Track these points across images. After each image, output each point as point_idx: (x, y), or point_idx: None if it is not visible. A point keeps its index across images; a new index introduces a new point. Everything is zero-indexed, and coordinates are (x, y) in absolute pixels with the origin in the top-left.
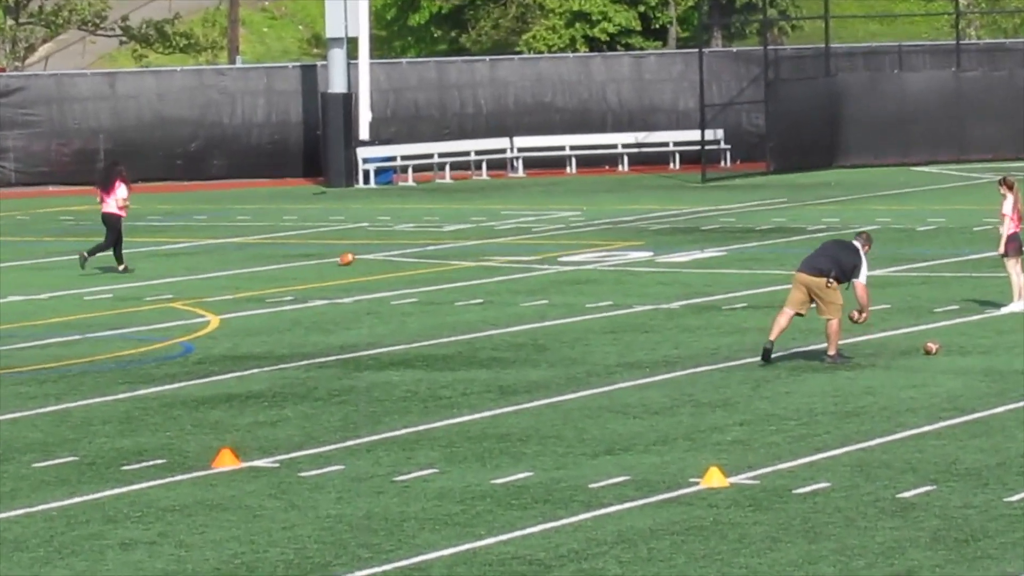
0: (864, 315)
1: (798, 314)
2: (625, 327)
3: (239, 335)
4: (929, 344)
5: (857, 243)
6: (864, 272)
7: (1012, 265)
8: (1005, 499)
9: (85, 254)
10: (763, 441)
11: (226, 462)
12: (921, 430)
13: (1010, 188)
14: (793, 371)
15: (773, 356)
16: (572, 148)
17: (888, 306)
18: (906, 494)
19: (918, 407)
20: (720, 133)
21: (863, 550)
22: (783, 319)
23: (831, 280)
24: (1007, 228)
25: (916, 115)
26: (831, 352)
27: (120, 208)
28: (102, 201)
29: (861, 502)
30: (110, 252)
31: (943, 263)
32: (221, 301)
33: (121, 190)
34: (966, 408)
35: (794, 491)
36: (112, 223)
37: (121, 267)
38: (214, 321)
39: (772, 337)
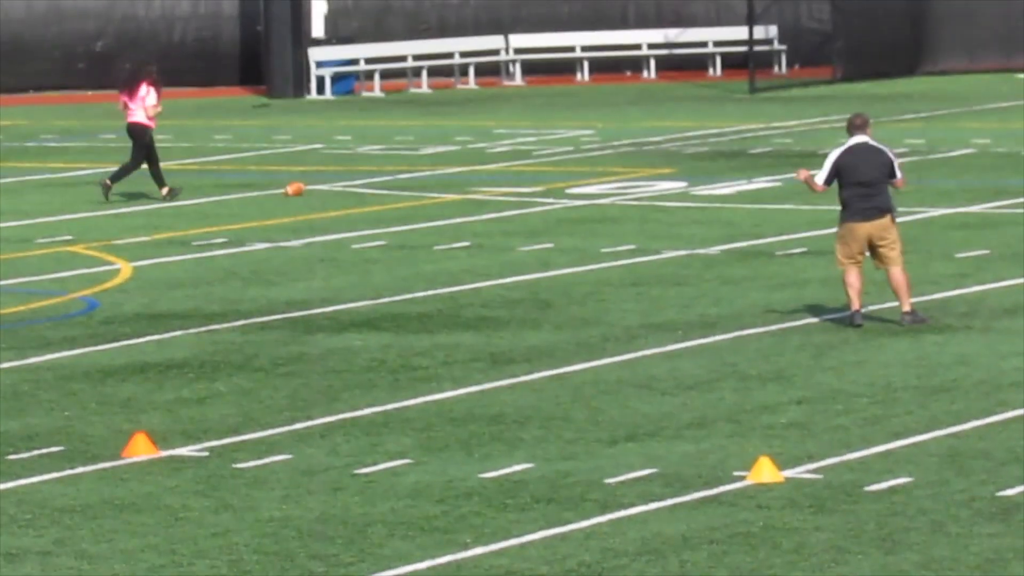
0: None
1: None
2: (651, 279)
3: (157, 288)
4: None
5: (868, 137)
6: (898, 167)
7: None
8: None
9: (108, 181)
10: (826, 425)
11: (140, 450)
12: None
13: None
14: (864, 335)
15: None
16: (584, 49)
17: (986, 252)
18: (1009, 492)
19: None
20: (773, 30)
21: (954, 563)
22: (856, 278)
23: (896, 215)
24: None
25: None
26: (907, 308)
27: (150, 118)
28: (125, 108)
29: (952, 502)
30: (140, 171)
31: None
32: (134, 244)
33: (150, 95)
34: None
35: (866, 488)
36: (138, 135)
37: (164, 190)
38: (125, 270)
39: (857, 306)
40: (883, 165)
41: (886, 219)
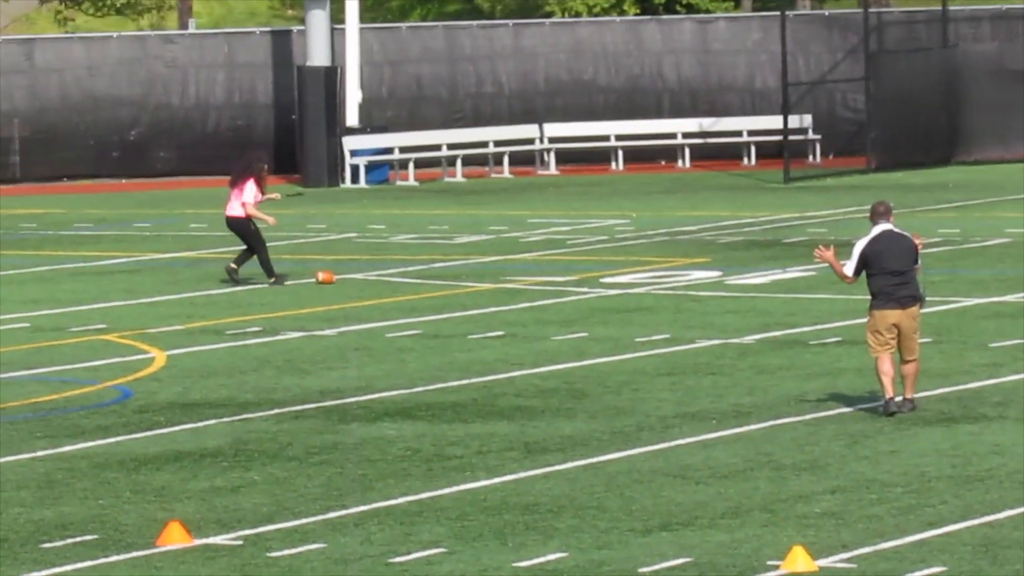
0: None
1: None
2: (685, 368)
3: (191, 376)
4: None
5: (891, 224)
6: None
7: None
8: None
9: (233, 265)
10: (861, 514)
11: (175, 539)
12: None
13: None
14: (898, 424)
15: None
16: (618, 138)
17: (1021, 341)
18: None
19: None
20: (808, 120)
21: None
22: (890, 366)
23: (923, 300)
24: None
25: None
26: (910, 395)
27: (247, 214)
28: (229, 200)
29: None
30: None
31: None
32: (168, 333)
33: (248, 191)
34: None
35: None
36: (236, 228)
37: (271, 280)
38: (159, 358)
39: (891, 393)
40: (910, 250)
41: (917, 307)
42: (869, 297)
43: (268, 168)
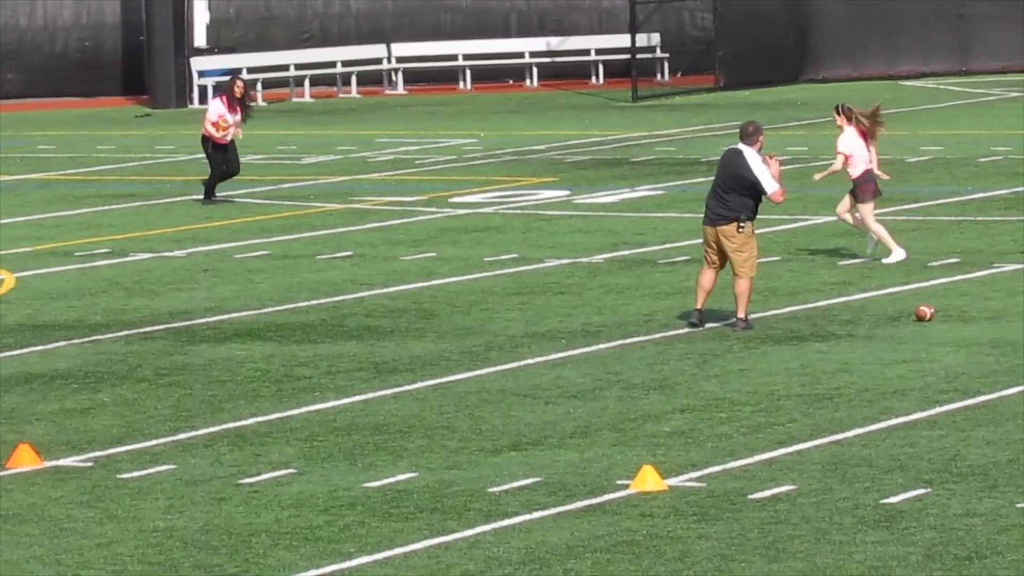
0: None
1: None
2: (534, 288)
3: (40, 299)
4: (922, 308)
5: (743, 145)
6: (767, 179)
7: (868, 212)
8: (1017, 504)
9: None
10: (710, 433)
11: (24, 461)
12: (911, 417)
13: (848, 119)
14: (748, 343)
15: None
16: (466, 57)
17: (869, 260)
18: (893, 499)
19: (908, 388)
20: (656, 38)
21: (838, 570)
22: (706, 279)
23: (743, 224)
24: (853, 169)
25: (907, 14)
26: (741, 314)
27: (206, 132)
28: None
29: (836, 510)
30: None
31: (940, 204)
32: (17, 255)
33: (212, 108)
34: (969, 390)
35: (750, 496)
36: (203, 146)
37: (203, 201)
38: (8, 280)
39: (699, 304)
40: (736, 169)
41: (731, 227)
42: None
43: (242, 86)
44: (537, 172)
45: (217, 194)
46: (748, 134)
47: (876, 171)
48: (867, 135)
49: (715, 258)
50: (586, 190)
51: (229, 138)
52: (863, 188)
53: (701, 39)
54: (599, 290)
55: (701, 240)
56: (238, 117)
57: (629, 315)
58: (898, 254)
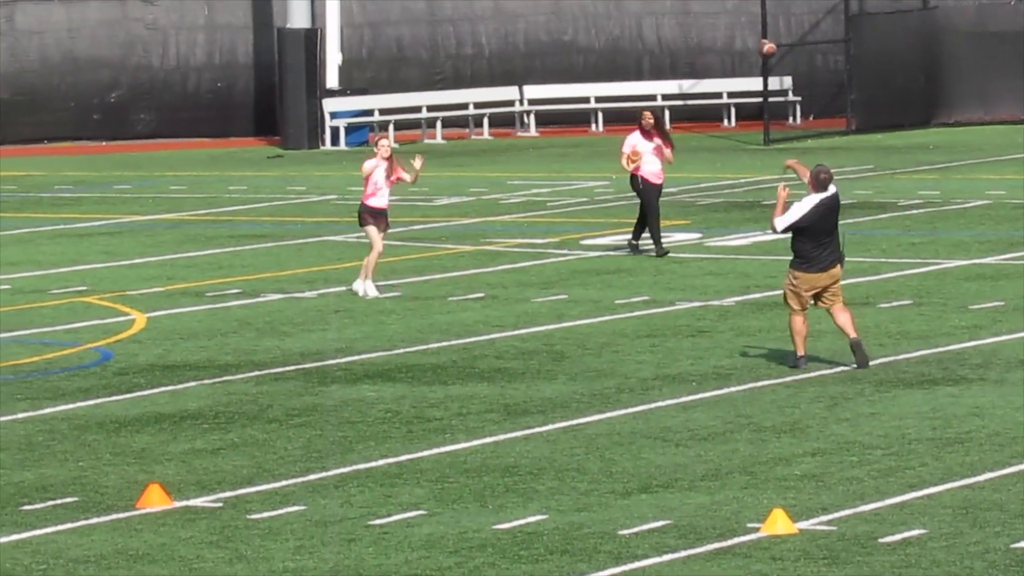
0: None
1: None
2: (665, 330)
3: (171, 338)
4: None
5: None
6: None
7: None
8: None
9: (632, 240)
10: (841, 476)
11: (154, 501)
12: None
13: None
14: (879, 387)
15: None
16: (598, 100)
17: (1001, 303)
18: (1022, 544)
19: None
20: (788, 81)
21: None
22: (805, 326)
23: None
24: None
25: None
26: (856, 334)
27: (623, 162)
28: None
29: (966, 554)
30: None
31: None
32: (148, 295)
33: (628, 140)
34: None
35: (880, 540)
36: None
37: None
38: (139, 320)
39: (804, 351)
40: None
41: (838, 269)
42: (850, 259)
43: (650, 116)
44: (669, 215)
45: (639, 241)
46: (829, 179)
47: None
48: None
49: (807, 303)
50: (718, 232)
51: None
52: None
53: (833, 82)
54: (730, 333)
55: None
56: (652, 145)
57: (760, 358)
58: None
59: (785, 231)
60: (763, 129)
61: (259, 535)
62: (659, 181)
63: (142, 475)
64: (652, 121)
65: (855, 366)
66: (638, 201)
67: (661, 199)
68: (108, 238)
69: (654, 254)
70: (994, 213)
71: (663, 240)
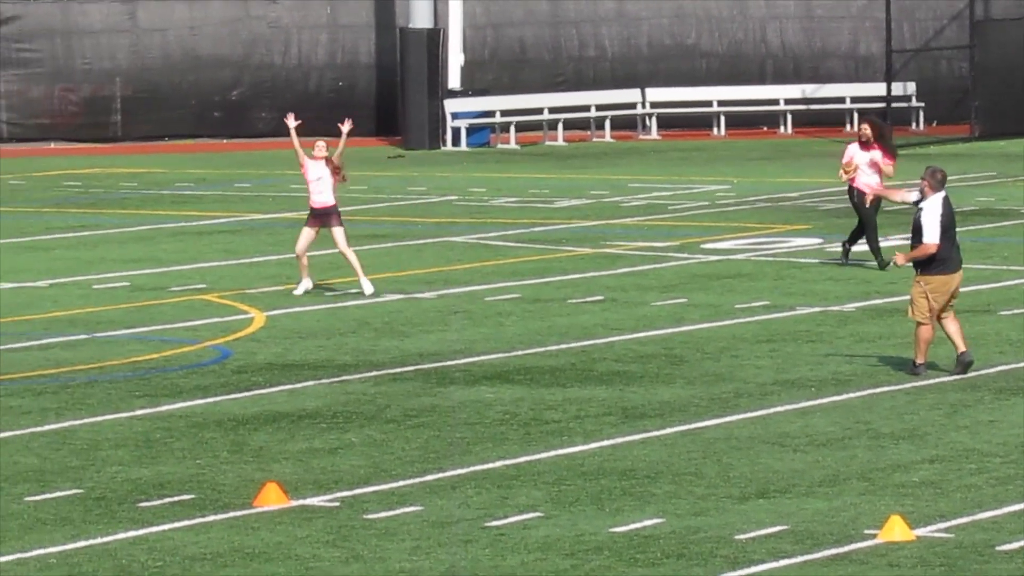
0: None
1: None
2: (785, 335)
3: (290, 337)
4: None
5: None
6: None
7: None
8: None
9: (846, 244)
10: (959, 483)
11: (271, 500)
12: None
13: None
14: (999, 394)
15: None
16: (720, 104)
17: None
18: None
19: None
20: (911, 87)
21: None
22: (932, 333)
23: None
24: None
25: None
26: (964, 348)
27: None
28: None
29: None
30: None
31: None
32: (267, 294)
33: (847, 149)
34: None
35: (998, 548)
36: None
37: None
38: (258, 319)
39: (924, 359)
40: None
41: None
42: (972, 266)
43: (867, 127)
44: (789, 220)
45: (851, 248)
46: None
47: None
48: None
49: (935, 310)
50: (838, 238)
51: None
52: None
53: (957, 88)
54: (849, 339)
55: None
56: (868, 157)
57: (879, 364)
58: None
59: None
60: None
61: (375, 535)
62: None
63: (259, 473)
64: (869, 133)
65: (958, 374)
66: (760, 206)
67: (789, 204)
68: (228, 236)
69: (877, 266)
70: None
71: (880, 249)
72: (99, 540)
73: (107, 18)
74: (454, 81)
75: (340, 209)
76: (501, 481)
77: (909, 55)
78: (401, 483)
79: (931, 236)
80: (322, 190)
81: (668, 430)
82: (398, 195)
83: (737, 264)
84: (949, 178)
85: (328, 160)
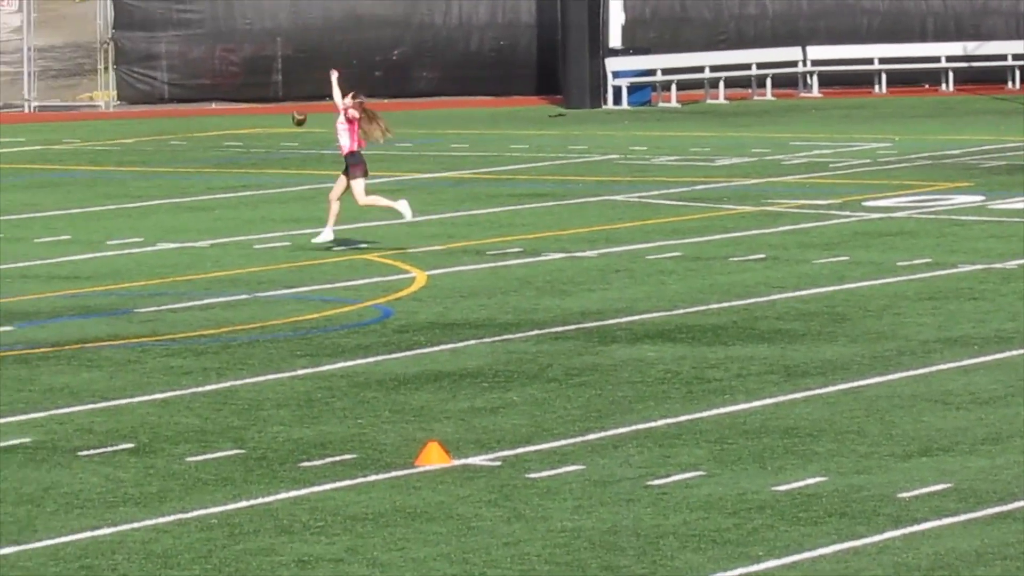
0: None
1: None
2: (947, 293)
3: (451, 297)
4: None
5: None
6: None
7: None
8: None
9: None
10: None
11: (433, 459)
12: None
13: None
14: None
15: None
16: (882, 61)
17: None
18: None
19: None
20: None
21: None
22: None
23: None
24: None
25: None
26: None
27: None
28: None
29: None
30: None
31: None
32: (429, 253)
33: None
34: None
35: None
36: None
37: None
38: (420, 278)
39: None
40: None
41: None
42: None
43: None
44: (952, 177)
45: None
46: None
47: None
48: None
49: None
50: (1001, 196)
51: None
52: None
53: None
54: (1012, 296)
55: None
56: None
57: None
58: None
59: None
60: None
61: (537, 494)
62: None
63: (421, 433)
64: None
65: None
66: (922, 163)
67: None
68: (389, 195)
69: None
70: None
71: None
72: (260, 500)
73: None
74: (615, 40)
75: (500, 168)
76: (663, 440)
77: None
78: (563, 442)
79: None
80: (338, 137)
81: (830, 388)
82: (560, 154)
83: (899, 222)
84: None
85: (345, 109)
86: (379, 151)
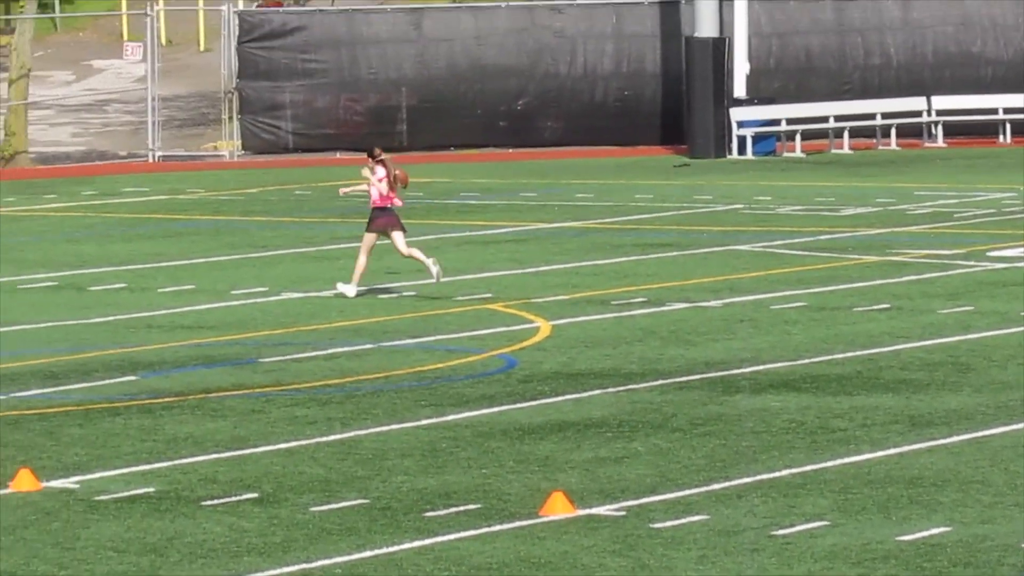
0: None
1: None
2: None
3: (576, 346)
4: None
5: None
6: None
7: None
8: None
9: None
10: None
11: (557, 509)
12: None
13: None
14: None
15: None
16: (1007, 111)
17: None
18: None
19: None
20: None
21: None
22: None
23: None
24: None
25: None
26: None
27: None
28: None
29: None
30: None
31: None
32: (553, 302)
33: None
34: None
35: None
36: None
37: None
38: (544, 328)
39: None
40: None
41: None
42: None
43: None
44: None
45: None
46: None
47: None
48: None
49: None
50: None
51: None
52: None
53: None
54: None
55: None
56: None
57: None
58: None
59: None
60: None
61: (662, 544)
62: None
63: (545, 483)
64: None
65: None
66: (977, 213)
67: None
68: (514, 245)
69: None
70: None
71: None
72: (384, 550)
73: (393, 28)
74: (740, 89)
75: (625, 218)
76: (787, 490)
77: None
78: (687, 492)
79: None
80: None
81: (955, 438)
82: (684, 203)
83: None
84: None
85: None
86: (504, 200)
